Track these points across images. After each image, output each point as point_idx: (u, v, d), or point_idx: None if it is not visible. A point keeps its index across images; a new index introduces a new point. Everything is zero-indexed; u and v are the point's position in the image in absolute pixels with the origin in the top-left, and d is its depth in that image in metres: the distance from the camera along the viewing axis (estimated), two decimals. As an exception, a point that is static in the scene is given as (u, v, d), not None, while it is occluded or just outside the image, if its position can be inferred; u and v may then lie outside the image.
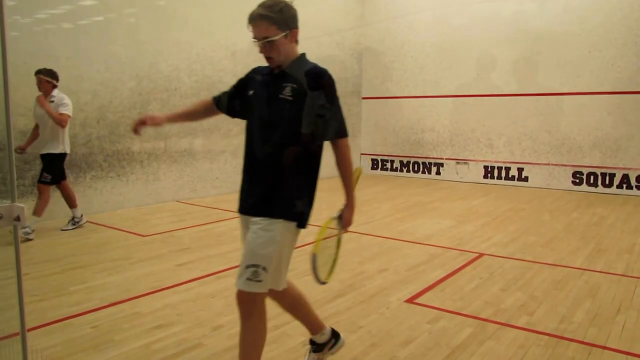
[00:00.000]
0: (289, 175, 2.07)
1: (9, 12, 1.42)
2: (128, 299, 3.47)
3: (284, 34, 2.02)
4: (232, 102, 2.29)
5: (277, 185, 2.05)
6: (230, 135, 8.11)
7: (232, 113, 2.32)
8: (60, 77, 5.37)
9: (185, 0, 7.42)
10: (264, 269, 2.01)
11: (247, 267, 2.02)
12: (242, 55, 8.02)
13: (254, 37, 2.04)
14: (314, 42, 9.33)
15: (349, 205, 2.20)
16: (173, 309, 3.27)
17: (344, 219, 2.21)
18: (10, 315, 3.13)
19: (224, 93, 2.33)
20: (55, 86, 5.29)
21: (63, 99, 5.29)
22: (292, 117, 2.02)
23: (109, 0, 6.42)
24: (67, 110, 5.30)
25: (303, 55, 2.15)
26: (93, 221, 5.97)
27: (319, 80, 2.05)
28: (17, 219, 1.44)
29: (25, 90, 5.40)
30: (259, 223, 2.05)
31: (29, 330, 1.70)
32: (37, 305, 3.33)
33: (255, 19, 2.01)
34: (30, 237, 5.07)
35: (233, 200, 8.44)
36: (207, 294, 3.60)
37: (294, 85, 2.03)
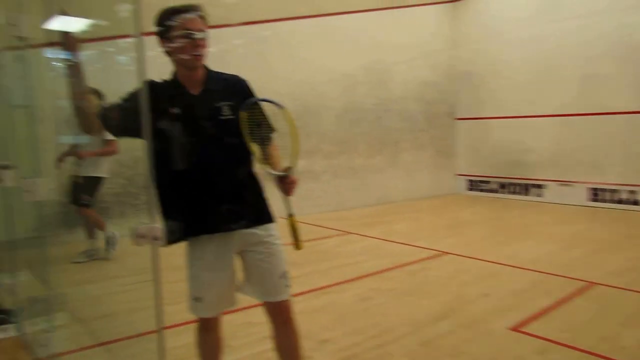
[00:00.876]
0: (253, 182, 2.16)
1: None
2: (241, 308, 3.73)
3: None
4: (130, 121, 1.82)
5: (248, 196, 2.13)
6: (330, 157, 8.56)
7: (126, 133, 1.94)
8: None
9: (287, 31, 8.02)
10: (288, 271, 2.18)
11: (281, 277, 2.13)
12: (339, 80, 8.49)
13: (192, 29, 1.89)
14: (408, 65, 9.35)
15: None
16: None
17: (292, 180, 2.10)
18: (143, 315, 3.53)
19: (115, 108, 1.90)
20: None
21: None
22: (238, 132, 2.01)
23: (221, 34, 7.05)
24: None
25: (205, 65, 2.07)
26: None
27: (250, 88, 2.15)
28: (156, 238, 1.80)
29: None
30: (260, 234, 2.13)
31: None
32: (165, 308, 3.71)
33: (193, 13, 1.92)
34: (94, 257, 5.15)
35: (335, 218, 8.63)
36: (312, 308, 3.78)
37: (230, 103, 2.01)
